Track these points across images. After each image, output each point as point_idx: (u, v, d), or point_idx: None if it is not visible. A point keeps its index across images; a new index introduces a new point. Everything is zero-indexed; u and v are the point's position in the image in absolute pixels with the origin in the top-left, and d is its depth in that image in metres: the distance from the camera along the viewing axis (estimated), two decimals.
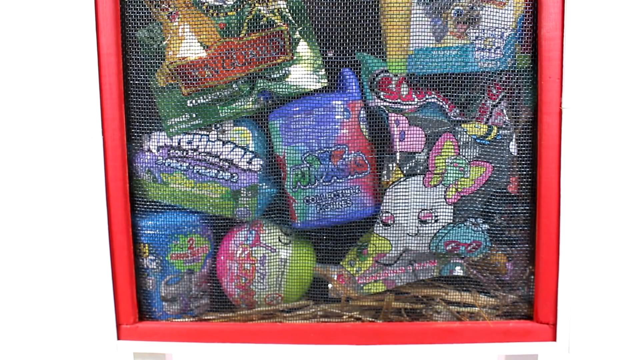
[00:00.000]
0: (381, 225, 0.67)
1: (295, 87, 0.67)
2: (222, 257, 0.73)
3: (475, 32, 0.65)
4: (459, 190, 0.66)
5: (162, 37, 0.67)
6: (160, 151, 0.69)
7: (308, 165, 0.67)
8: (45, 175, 0.99)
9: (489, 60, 0.66)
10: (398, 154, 0.66)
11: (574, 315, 0.68)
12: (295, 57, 0.66)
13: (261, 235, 0.71)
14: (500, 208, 0.68)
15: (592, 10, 0.65)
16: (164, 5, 0.66)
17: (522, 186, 0.68)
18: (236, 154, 0.69)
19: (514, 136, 0.67)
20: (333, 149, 0.67)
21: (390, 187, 0.66)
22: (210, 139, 0.69)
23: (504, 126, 0.67)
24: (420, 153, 0.66)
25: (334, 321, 0.71)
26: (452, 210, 0.67)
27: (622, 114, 0.58)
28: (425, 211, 0.67)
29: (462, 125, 0.66)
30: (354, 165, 0.67)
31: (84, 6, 0.65)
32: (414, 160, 0.66)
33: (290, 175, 0.68)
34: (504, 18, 0.65)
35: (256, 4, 0.65)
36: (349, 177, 0.68)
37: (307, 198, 0.68)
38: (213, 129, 0.69)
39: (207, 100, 0.67)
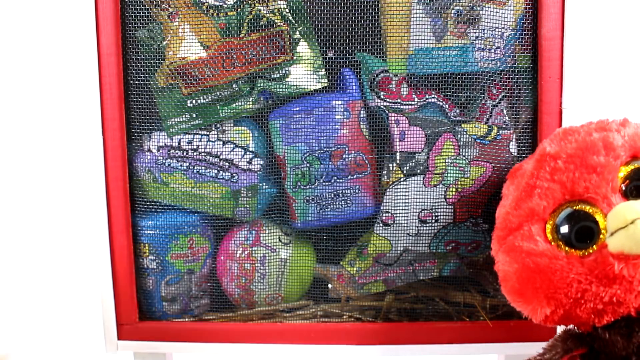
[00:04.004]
0: (381, 225, 0.67)
1: (295, 87, 0.67)
2: (222, 257, 0.73)
3: (475, 32, 0.65)
4: (459, 190, 0.66)
5: (162, 37, 0.67)
6: (161, 151, 0.69)
7: (308, 165, 0.67)
8: (45, 175, 0.99)
9: (489, 60, 0.66)
10: (398, 154, 0.66)
11: None
12: (295, 57, 0.66)
13: (261, 235, 0.71)
14: None
15: (592, 10, 0.65)
16: (164, 5, 0.66)
17: None
18: (236, 154, 0.69)
19: (514, 136, 0.67)
20: (333, 149, 0.67)
21: (391, 187, 0.66)
22: (211, 139, 0.69)
23: (504, 126, 0.67)
24: (420, 153, 0.66)
25: (334, 321, 0.71)
26: (452, 210, 0.67)
27: (622, 114, 0.58)
28: (426, 211, 0.67)
29: (462, 125, 0.66)
30: (354, 165, 0.67)
31: (84, 6, 0.65)
32: (414, 160, 0.66)
33: (291, 175, 0.68)
34: (504, 18, 0.65)
35: (256, 4, 0.65)
36: (349, 177, 0.68)
37: (307, 198, 0.68)
38: (213, 129, 0.69)
39: (207, 100, 0.67)
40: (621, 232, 0.49)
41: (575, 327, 0.56)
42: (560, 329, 0.68)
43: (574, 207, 0.52)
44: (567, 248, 0.52)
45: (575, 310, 0.51)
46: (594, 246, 0.51)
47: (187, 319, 0.73)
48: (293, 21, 0.66)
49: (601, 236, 0.51)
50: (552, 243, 0.53)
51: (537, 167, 0.55)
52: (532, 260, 0.53)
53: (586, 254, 0.51)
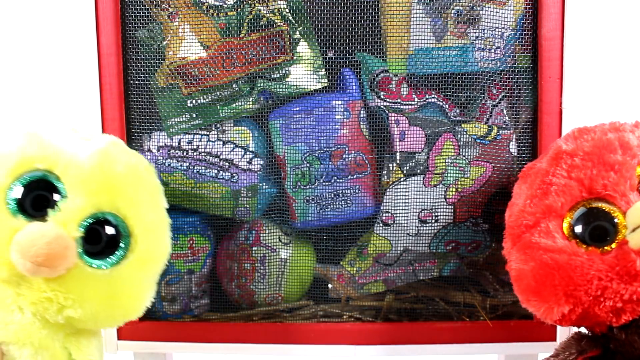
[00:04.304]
0: (381, 225, 0.67)
1: (295, 87, 0.67)
2: (222, 257, 0.73)
3: (475, 32, 0.65)
4: (459, 190, 0.66)
5: (162, 37, 0.67)
6: (161, 151, 0.69)
7: (308, 165, 0.67)
8: None
9: (489, 60, 0.66)
10: (398, 154, 0.66)
11: None
12: (295, 57, 0.66)
13: (261, 235, 0.71)
14: (500, 208, 0.68)
15: (592, 10, 0.65)
16: (164, 5, 0.66)
17: None
18: (236, 154, 0.69)
19: (514, 136, 0.67)
20: (333, 149, 0.67)
21: (390, 187, 0.66)
22: (211, 139, 0.69)
23: (504, 126, 0.67)
24: (420, 153, 0.66)
25: (334, 321, 0.71)
26: (452, 210, 0.67)
27: (622, 114, 0.58)
28: (426, 211, 0.67)
29: (462, 125, 0.66)
30: (354, 165, 0.67)
31: (84, 6, 0.65)
32: (414, 160, 0.66)
33: (291, 175, 0.68)
34: (504, 18, 0.65)
35: (256, 4, 0.65)
36: (349, 177, 0.68)
37: (307, 198, 0.68)
38: (213, 129, 0.69)
39: (207, 100, 0.67)
40: None
41: (589, 329, 0.55)
42: (559, 329, 0.68)
43: (588, 206, 0.52)
44: (584, 245, 0.52)
45: (593, 309, 0.50)
46: (613, 244, 0.51)
47: (187, 319, 0.72)
48: (293, 21, 0.66)
49: (619, 235, 0.50)
50: (571, 240, 0.52)
51: (552, 164, 0.55)
52: (551, 257, 0.52)
53: (606, 250, 0.51)
